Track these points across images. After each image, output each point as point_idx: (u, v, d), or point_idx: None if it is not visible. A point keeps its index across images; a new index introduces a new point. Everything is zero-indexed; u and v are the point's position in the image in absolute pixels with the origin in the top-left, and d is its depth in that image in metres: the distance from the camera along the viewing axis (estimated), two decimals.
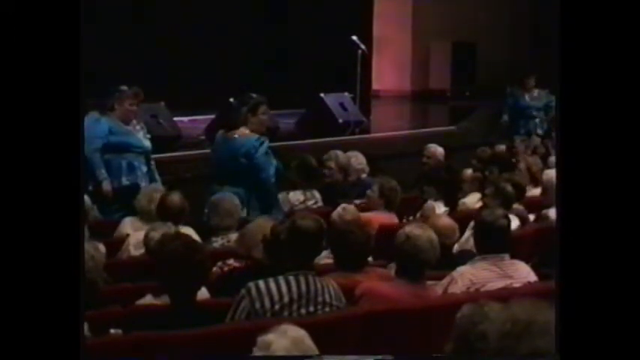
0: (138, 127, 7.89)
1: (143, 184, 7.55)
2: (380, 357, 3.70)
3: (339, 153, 8.56)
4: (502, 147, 10.28)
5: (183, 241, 4.45)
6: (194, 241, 4.81)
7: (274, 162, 7.52)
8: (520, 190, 7.11)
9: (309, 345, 2.98)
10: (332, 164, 8.39)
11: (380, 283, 4.84)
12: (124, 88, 7.77)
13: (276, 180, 7.58)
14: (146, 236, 5.64)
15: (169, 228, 5.72)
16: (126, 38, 13.59)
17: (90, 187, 7.46)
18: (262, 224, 5.26)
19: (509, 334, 2.62)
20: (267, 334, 2.99)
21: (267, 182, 7.44)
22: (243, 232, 5.48)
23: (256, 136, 7.46)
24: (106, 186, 7.51)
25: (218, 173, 7.67)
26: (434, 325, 4.35)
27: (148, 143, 7.89)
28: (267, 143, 7.49)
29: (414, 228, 4.92)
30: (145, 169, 7.78)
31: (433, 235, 4.94)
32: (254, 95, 7.64)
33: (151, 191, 6.80)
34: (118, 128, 7.66)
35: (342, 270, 5.12)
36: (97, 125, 7.56)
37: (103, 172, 7.51)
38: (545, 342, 2.58)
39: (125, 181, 7.61)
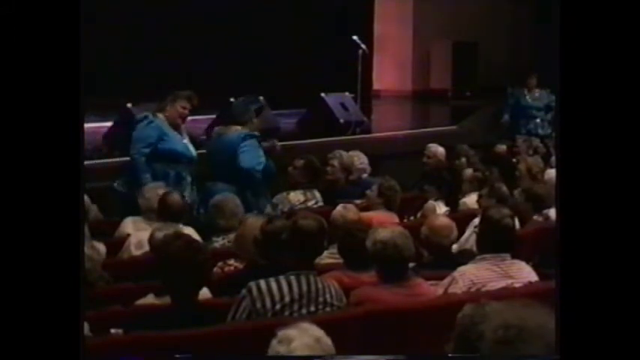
0: (184, 134, 7.67)
1: (187, 194, 7.41)
2: (392, 357, 3.70)
3: (344, 153, 8.58)
4: (502, 147, 10.28)
5: (185, 241, 4.45)
6: (196, 240, 4.82)
7: (262, 158, 7.54)
8: (540, 201, 6.90)
9: (327, 344, 2.98)
10: (335, 163, 8.40)
11: (374, 288, 4.82)
12: (179, 91, 7.53)
13: (265, 178, 7.63)
14: (152, 235, 5.62)
15: (175, 228, 5.73)
16: (126, 38, 13.60)
17: (129, 190, 7.26)
18: (253, 223, 5.27)
19: (502, 340, 2.62)
20: (288, 328, 2.98)
21: (250, 174, 7.45)
22: (238, 233, 5.48)
23: (246, 130, 7.57)
24: (153, 188, 7.36)
25: (212, 171, 7.74)
26: (434, 325, 4.34)
27: (194, 151, 7.66)
28: (254, 139, 7.53)
29: (380, 232, 4.90)
30: (189, 178, 7.57)
31: (401, 229, 4.95)
32: (257, 97, 7.74)
33: (156, 189, 6.78)
34: (169, 134, 7.43)
35: (348, 269, 5.12)
36: (147, 129, 7.40)
37: (147, 177, 7.29)
38: (538, 347, 2.58)
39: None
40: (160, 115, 7.49)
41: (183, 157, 7.51)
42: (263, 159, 7.61)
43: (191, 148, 7.63)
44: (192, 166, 7.64)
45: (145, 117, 7.50)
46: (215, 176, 7.65)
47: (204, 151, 8.13)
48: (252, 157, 7.52)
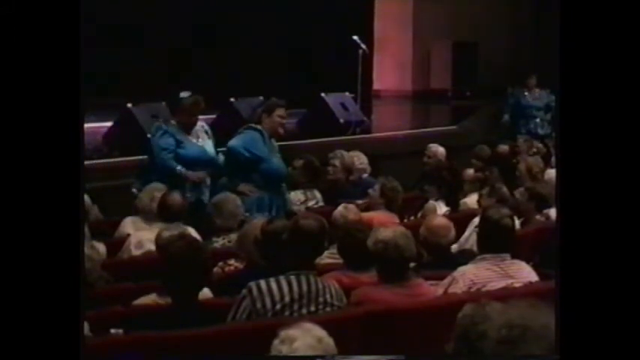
0: (201, 134, 7.55)
1: (206, 197, 7.34)
2: (393, 357, 3.70)
3: (345, 153, 8.58)
4: (505, 147, 10.26)
5: (187, 241, 4.46)
6: (198, 240, 4.83)
7: (259, 151, 7.43)
8: (543, 201, 6.89)
9: (330, 344, 2.98)
10: (337, 162, 8.40)
11: (375, 288, 4.83)
12: (184, 95, 7.41)
13: (275, 179, 7.54)
14: (159, 235, 5.62)
15: (181, 229, 5.73)
16: (126, 38, 13.59)
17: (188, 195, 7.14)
18: (256, 224, 5.27)
19: (506, 340, 2.62)
20: (290, 328, 2.98)
21: (234, 154, 7.41)
22: (240, 233, 5.49)
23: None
24: (192, 175, 7.33)
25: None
26: (434, 325, 4.35)
27: (212, 150, 7.54)
28: (254, 131, 7.45)
29: (382, 231, 4.90)
30: (208, 180, 7.50)
31: (403, 229, 4.96)
32: (274, 99, 7.69)
33: (153, 190, 6.78)
34: (182, 141, 7.36)
35: (348, 270, 5.12)
36: (162, 139, 7.32)
37: (181, 169, 7.26)
38: (541, 347, 2.58)
39: (189, 197, 7.17)
40: (173, 122, 7.46)
41: (200, 161, 7.43)
42: (261, 152, 7.44)
43: (209, 149, 7.53)
44: (211, 168, 7.55)
45: (158, 128, 7.47)
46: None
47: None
48: (243, 140, 7.45)
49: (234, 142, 7.49)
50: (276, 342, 2.97)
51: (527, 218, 6.77)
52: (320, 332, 3.00)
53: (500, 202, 6.53)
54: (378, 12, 16.13)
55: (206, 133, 7.61)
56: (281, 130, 7.55)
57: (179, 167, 7.29)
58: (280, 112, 7.50)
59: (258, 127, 7.48)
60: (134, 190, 7.34)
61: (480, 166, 9.03)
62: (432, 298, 4.90)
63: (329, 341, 2.99)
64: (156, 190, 6.76)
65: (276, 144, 7.66)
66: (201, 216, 6.74)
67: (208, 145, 7.55)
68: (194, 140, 7.46)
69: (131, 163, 9.04)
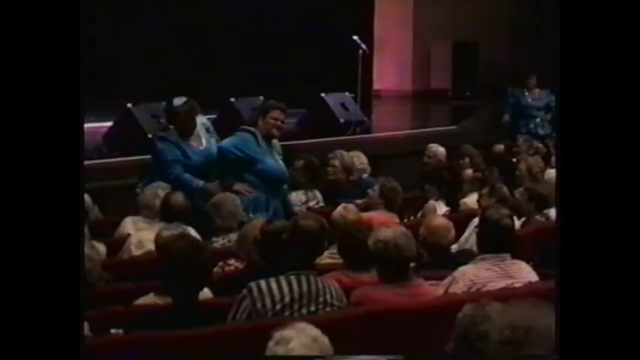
0: (201, 131, 7.46)
1: None
2: (392, 357, 3.70)
3: (344, 153, 8.57)
4: (501, 147, 10.28)
5: (187, 241, 4.46)
6: (198, 240, 4.82)
7: (252, 152, 7.37)
8: (543, 201, 6.90)
9: (325, 343, 2.98)
10: (336, 162, 8.39)
11: (375, 288, 4.83)
12: (179, 102, 7.31)
13: (275, 182, 7.50)
14: (158, 235, 5.61)
15: (181, 229, 5.72)
16: (126, 38, 13.61)
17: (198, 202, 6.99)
18: (256, 223, 5.28)
19: (509, 341, 2.63)
20: (285, 329, 2.98)
21: (223, 155, 7.39)
22: (240, 233, 5.49)
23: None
24: (213, 189, 7.17)
25: None
26: (434, 325, 4.35)
27: (215, 149, 7.41)
28: (248, 133, 7.40)
29: (382, 231, 4.90)
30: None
31: (403, 229, 4.96)
32: (272, 101, 7.64)
33: (157, 187, 6.76)
34: (186, 150, 7.27)
35: (348, 270, 5.12)
36: (170, 149, 7.24)
37: (199, 182, 7.18)
38: (543, 348, 2.59)
39: (199, 202, 7.01)
40: (171, 127, 7.40)
41: (205, 164, 7.35)
42: (253, 152, 7.36)
43: (212, 148, 7.44)
44: (219, 170, 7.44)
45: (160, 138, 7.43)
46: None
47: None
48: (233, 141, 7.39)
49: (224, 142, 7.45)
50: (270, 343, 2.97)
51: (527, 218, 6.77)
52: (314, 331, 2.99)
53: (500, 202, 6.54)
54: (378, 12, 16.15)
55: (207, 130, 7.57)
56: (275, 132, 7.44)
57: (196, 181, 7.19)
58: (275, 114, 7.42)
59: (251, 128, 7.42)
60: (139, 191, 7.30)
61: (469, 163, 9.01)
62: (432, 298, 4.90)
63: (324, 339, 2.99)
64: (160, 187, 6.73)
65: (278, 145, 7.62)
66: (200, 216, 6.72)
67: (211, 143, 7.51)
68: (196, 144, 7.42)
69: (131, 163, 9.05)
